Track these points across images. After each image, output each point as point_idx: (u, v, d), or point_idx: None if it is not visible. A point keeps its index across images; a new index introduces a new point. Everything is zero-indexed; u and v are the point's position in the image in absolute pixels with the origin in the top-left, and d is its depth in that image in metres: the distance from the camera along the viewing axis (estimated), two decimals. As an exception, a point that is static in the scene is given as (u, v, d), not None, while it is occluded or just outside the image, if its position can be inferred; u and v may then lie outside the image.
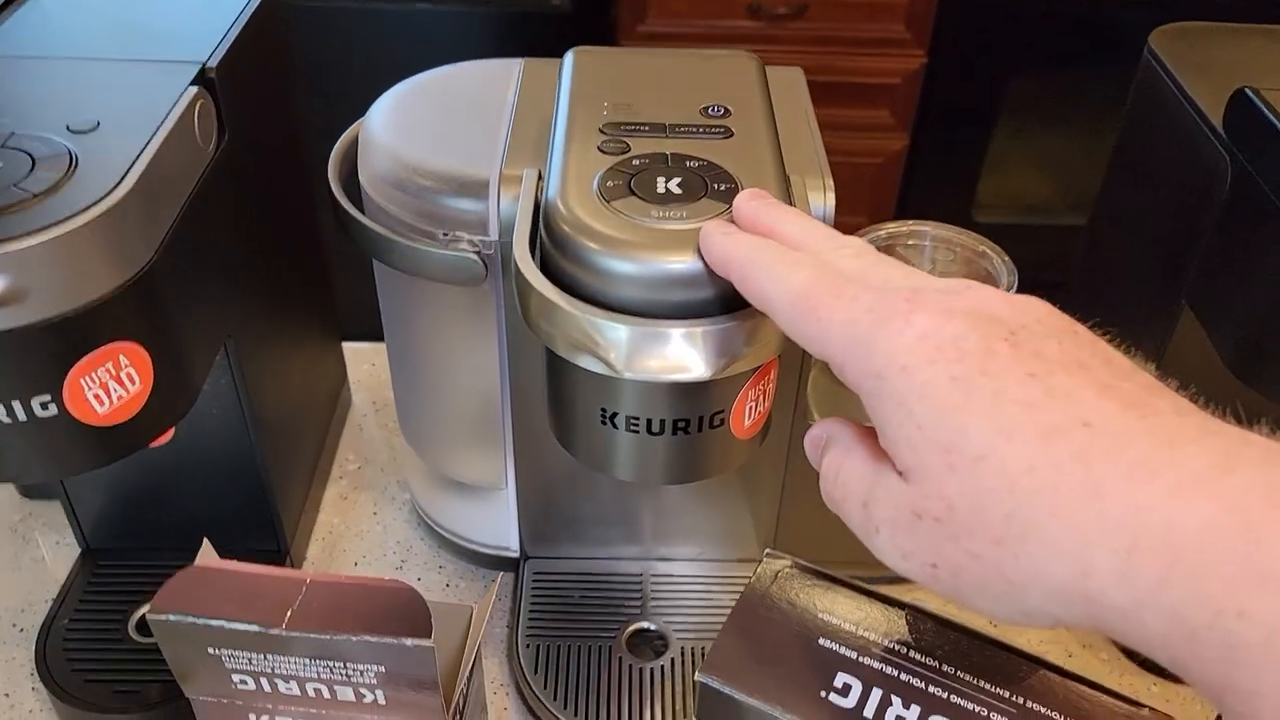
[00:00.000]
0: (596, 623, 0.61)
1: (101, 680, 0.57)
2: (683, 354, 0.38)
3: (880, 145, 1.87)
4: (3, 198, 0.41)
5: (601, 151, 0.44)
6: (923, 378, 0.28)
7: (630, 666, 0.59)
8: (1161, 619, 0.25)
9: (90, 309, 0.42)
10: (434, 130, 0.54)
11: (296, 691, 0.42)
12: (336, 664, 0.40)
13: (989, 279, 0.60)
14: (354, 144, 0.57)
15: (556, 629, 0.61)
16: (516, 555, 0.65)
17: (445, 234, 0.51)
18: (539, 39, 1.77)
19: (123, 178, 0.42)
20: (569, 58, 0.52)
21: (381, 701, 0.41)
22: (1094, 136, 1.75)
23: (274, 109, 0.62)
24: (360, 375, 0.82)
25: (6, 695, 0.59)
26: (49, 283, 0.40)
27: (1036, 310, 0.30)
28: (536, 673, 0.58)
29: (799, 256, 0.34)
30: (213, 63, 0.51)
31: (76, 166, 0.43)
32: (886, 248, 0.62)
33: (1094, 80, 1.64)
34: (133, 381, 0.45)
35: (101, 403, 0.44)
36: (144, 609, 0.60)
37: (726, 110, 0.47)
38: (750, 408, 0.44)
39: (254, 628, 0.39)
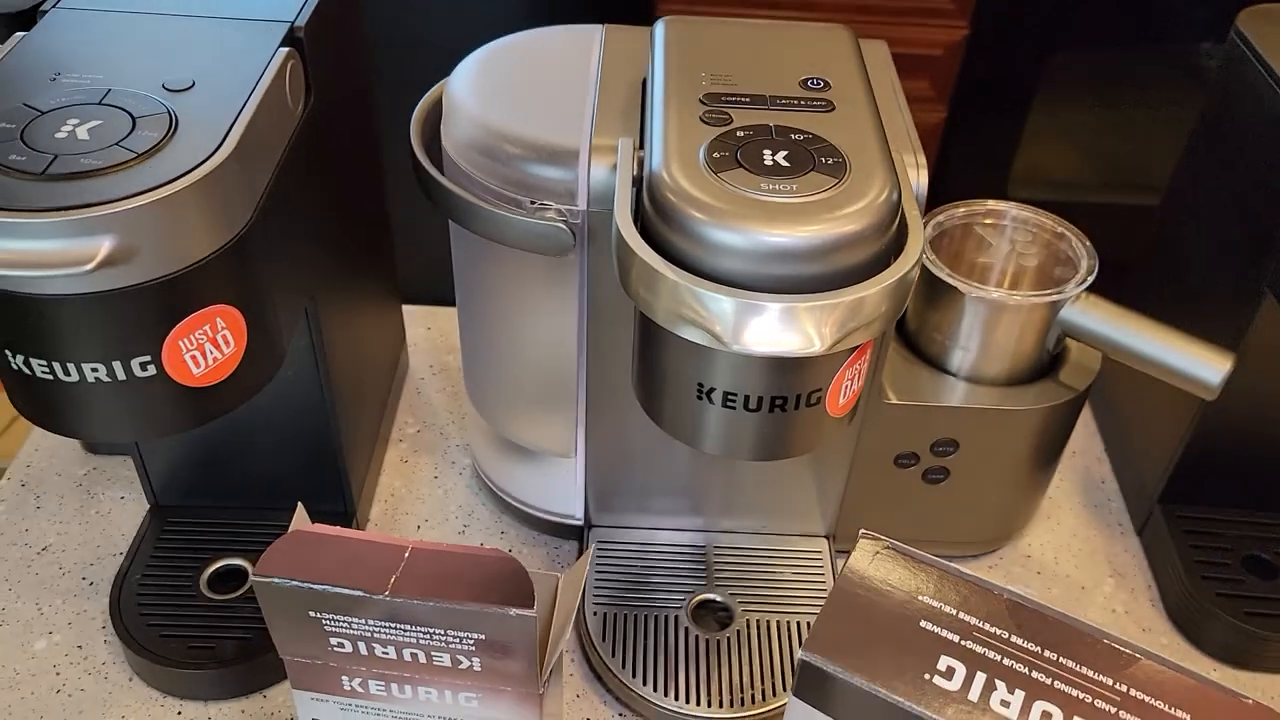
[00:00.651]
0: (662, 593, 0.61)
1: (176, 635, 0.57)
2: (796, 329, 0.38)
3: (919, 118, 1.84)
4: (107, 156, 0.40)
5: (704, 123, 0.44)
6: None
7: (696, 637, 0.59)
8: None
9: (192, 271, 0.42)
10: (520, 96, 0.54)
11: (393, 656, 0.42)
12: (437, 631, 0.40)
13: (1068, 263, 0.59)
14: (433, 107, 0.57)
15: (622, 598, 0.61)
16: (580, 523, 0.65)
17: (533, 202, 0.51)
18: (573, 8, 1.75)
19: (224, 139, 0.42)
20: (661, 27, 0.51)
21: (477, 668, 0.42)
22: (1132, 114, 1.73)
23: (352, 70, 0.61)
24: (416, 338, 0.82)
25: (79, 648, 0.59)
26: (155, 244, 0.40)
27: None
28: (604, 640, 0.59)
29: None
30: (300, 22, 0.50)
31: (177, 127, 0.42)
32: (964, 225, 0.62)
33: (1135, 58, 1.62)
34: (227, 344, 0.45)
35: (198, 364, 0.44)
36: (215, 565, 0.61)
37: (826, 83, 0.47)
38: (846, 386, 0.44)
39: (358, 593, 0.39)
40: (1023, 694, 0.36)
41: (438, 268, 0.66)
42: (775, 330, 0.38)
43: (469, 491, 0.70)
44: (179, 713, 0.57)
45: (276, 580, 0.40)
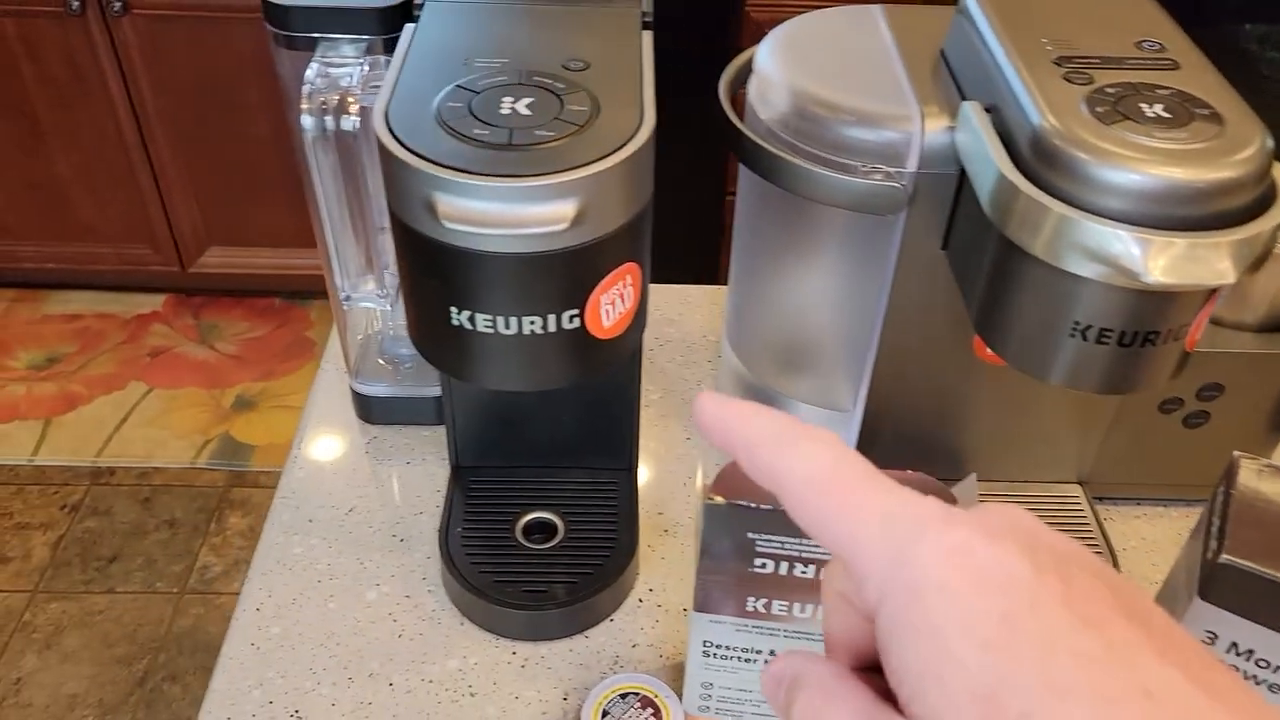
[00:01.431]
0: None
1: (509, 581, 0.62)
2: (1213, 262, 0.42)
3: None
4: (556, 129, 0.45)
5: (1069, 81, 0.48)
6: (966, 605, 0.23)
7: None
8: None
9: (621, 230, 0.46)
10: (834, 69, 0.58)
11: (811, 575, 0.46)
12: (865, 546, 0.45)
13: None
14: (733, 80, 0.62)
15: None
16: (850, 474, 0.69)
17: (864, 166, 0.55)
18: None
19: (642, 112, 0.47)
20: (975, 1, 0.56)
21: (888, 582, 0.46)
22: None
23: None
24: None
25: (407, 596, 0.64)
26: (603, 206, 0.45)
27: (1071, 544, 0.25)
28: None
29: (818, 432, 0.27)
30: (648, 9, 0.55)
31: (599, 103, 0.47)
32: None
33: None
34: (625, 300, 0.50)
35: (608, 317, 0.49)
36: (527, 518, 0.66)
37: (1160, 45, 0.51)
38: (1203, 323, 0.48)
39: (803, 512, 0.44)
40: None
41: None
42: (1192, 264, 0.42)
43: (721, 452, 0.75)
44: (514, 652, 0.61)
45: (731, 501, 0.44)
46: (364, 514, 0.69)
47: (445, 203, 0.43)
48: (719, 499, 0.44)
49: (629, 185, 0.46)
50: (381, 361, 0.75)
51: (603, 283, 0.47)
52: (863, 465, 0.26)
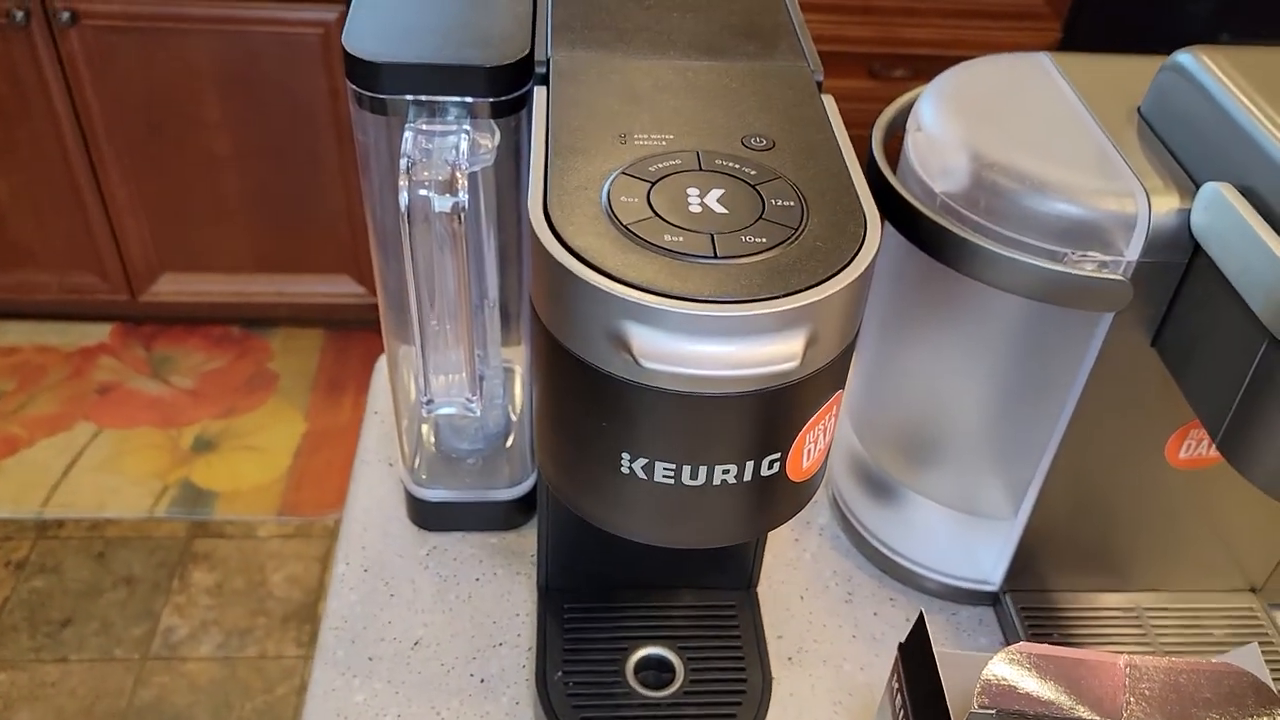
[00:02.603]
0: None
1: (629, 741, 0.52)
2: None
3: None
4: (765, 233, 0.35)
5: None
6: None
7: (1164, 707, 0.55)
8: None
9: (839, 358, 0.37)
10: (1021, 133, 0.49)
11: (1078, 781, 0.37)
12: (1160, 755, 0.36)
13: None
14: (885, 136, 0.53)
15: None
16: (994, 589, 0.61)
17: (1074, 253, 0.46)
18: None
19: (863, 213, 0.37)
20: (1197, 60, 0.47)
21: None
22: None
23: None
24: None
25: (498, 757, 0.54)
26: (829, 333, 0.35)
27: None
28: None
29: None
30: (816, 66, 0.45)
31: (805, 197, 0.37)
32: None
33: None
34: (826, 434, 0.40)
35: (808, 457, 0.39)
36: (638, 655, 0.55)
37: None
38: None
39: (1095, 718, 0.35)
40: None
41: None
42: None
43: (838, 554, 0.66)
44: (635, 825, 0.51)
45: (1003, 711, 0.35)
46: (433, 648, 0.58)
47: (641, 337, 0.33)
48: (995, 710, 0.35)
49: (858, 305, 0.36)
50: (436, 453, 0.65)
51: (812, 420, 0.38)
52: None
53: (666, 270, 0.33)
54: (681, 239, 0.34)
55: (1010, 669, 0.36)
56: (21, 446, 1.83)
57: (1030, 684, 0.35)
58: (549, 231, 0.35)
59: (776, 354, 0.33)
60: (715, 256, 0.34)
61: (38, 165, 1.78)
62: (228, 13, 1.65)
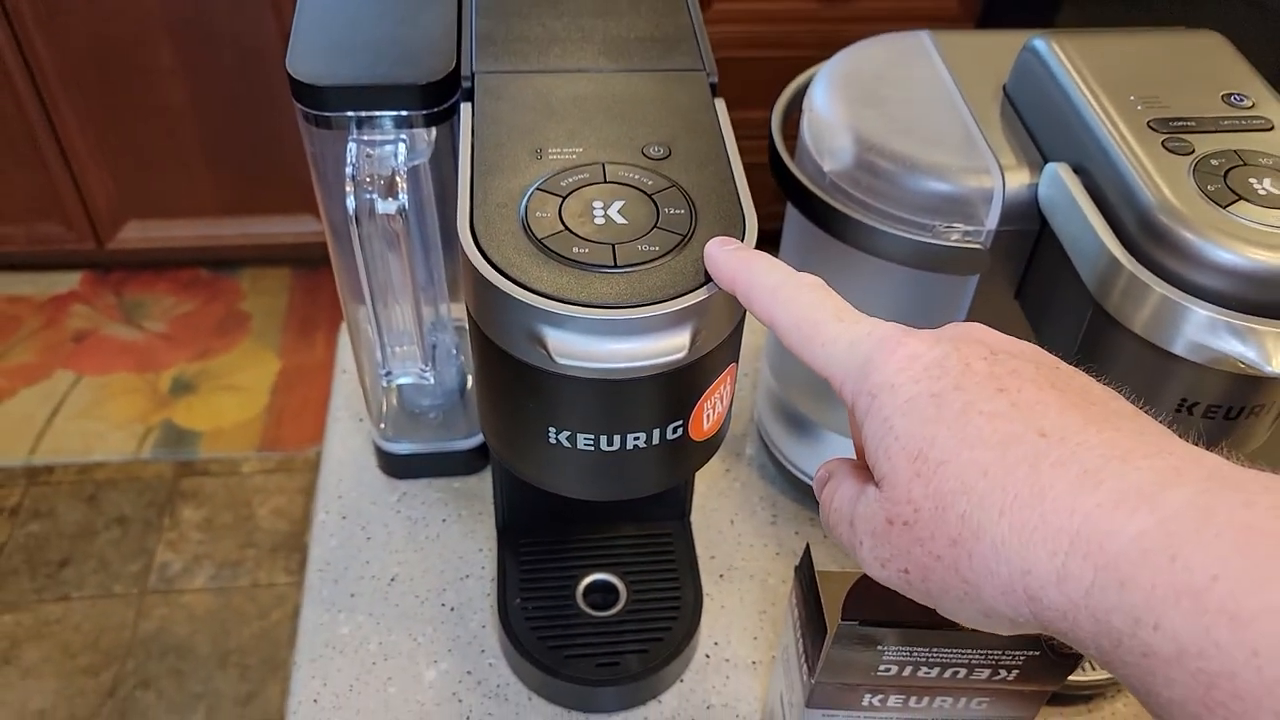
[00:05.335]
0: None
1: (580, 655, 0.60)
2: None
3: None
4: (659, 241, 0.42)
5: (1168, 150, 0.47)
6: (907, 394, 0.30)
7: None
8: (1092, 623, 0.26)
9: (727, 339, 0.44)
10: (897, 116, 0.55)
11: (934, 675, 0.46)
12: (995, 650, 0.44)
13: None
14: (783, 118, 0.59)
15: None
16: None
17: (941, 224, 0.53)
18: None
19: (743, 216, 0.43)
20: (1052, 44, 0.53)
21: (1011, 677, 0.46)
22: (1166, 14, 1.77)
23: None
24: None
25: (469, 673, 0.62)
26: (714, 322, 0.42)
27: (1025, 345, 0.32)
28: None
29: (803, 279, 0.36)
30: (711, 68, 0.51)
31: (695, 205, 0.43)
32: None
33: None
34: (724, 400, 0.47)
35: (707, 421, 0.46)
36: (586, 581, 0.64)
37: (1247, 98, 0.50)
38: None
39: (949, 631, 0.43)
40: None
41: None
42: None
43: (764, 482, 0.74)
44: (588, 725, 0.60)
45: (864, 627, 0.43)
46: (407, 583, 0.66)
47: (555, 338, 0.40)
48: (853, 622, 0.43)
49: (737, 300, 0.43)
50: (400, 410, 0.72)
51: (706, 392, 0.45)
52: (833, 305, 0.35)
53: (575, 280, 0.40)
54: (587, 250, 0.41)
55: (872, 585, 0.44)
56: (3, 397, 1.88)
57: (880, 599, 0.43)
58: (475, 248, 0.41)
59: (668, 347, 0.40)
60: (615, 266, 0.40)
61: (-7, 119, 1.79)
62: (172, -40, 1.66)
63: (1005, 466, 0.28)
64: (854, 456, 0.37)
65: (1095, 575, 0.26)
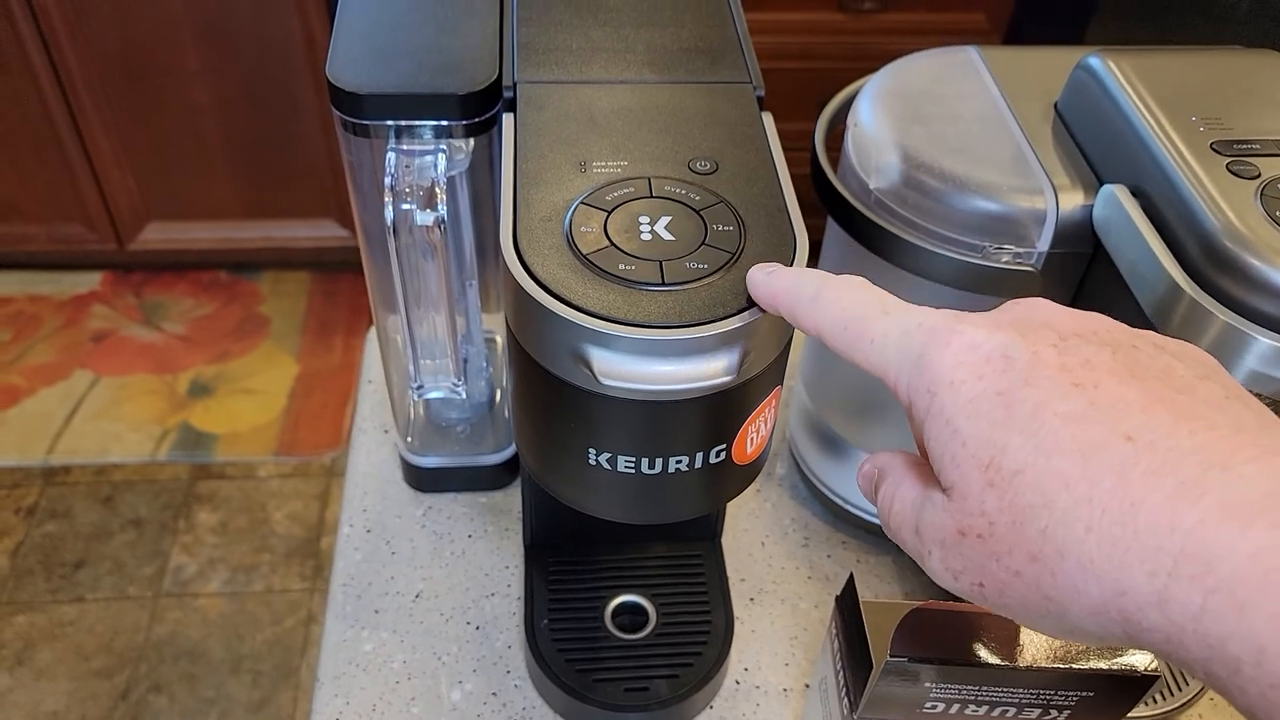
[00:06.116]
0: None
1: (607, 680, 0.59)
2: None
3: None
4: (708, 259, 0.40)
5: (1234, 175, 0.45)
6: (970, 393, 0.28)
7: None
8: (1204, 649, 0.23)
9: (774, 362, 0.42)
10: (945, 133, 0.54)
11: (982, 714, 0.44)
12: (1047, 691, 0.43)
13: None
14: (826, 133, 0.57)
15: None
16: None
17: (992, 245, 0.52)
18: None
19: (793, 233, 0.42)
20: (1104, 64, 0.52)
21: (1062, 717, 0.44)
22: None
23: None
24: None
25: (494, 694, 0.61)
26: (762, 346, 0.41)
27: (1093, 322, 0.30)
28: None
29: (843, 280, 0.34)
30: (759, 82, 0.50)
31: (743, 221, 0.42)
32: None
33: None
34: (768, 423, 0.46)
35: (751, 444, 0.45)
36: (615, 602, 0.62)
37: (1314, 124, 0.48)
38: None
39: (996, 660, 0.41)
40: None
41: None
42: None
43: (796, 503, 0.72)
44: (615, 751, 0.59)
45: (913, 664, 0.41)
46: (432, 599, 0.65)
47: (600, 358, 0.38)
48: (903, 658, 0.41)
49: (786, 322, 0.41)
50: (427, 422, 0.70)
51: (751, 415, 0.43)
52: (878, 299, 0.32)
53: (621, 298, 0.39)
54: (634, 267, 0.40)
55: (921, 620, 0.42)
56: (23, 396, 1.89)
57: (932, 635, 0.42)
58: (518, 263, 0.40)
59: (715, 369, 0.39)
60: (663, 284, 0.39)
61: (17, 119, 1.80)
62: (199, -37, 1.66)
63: (1089, 477, 0.25)
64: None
65: (1205, 599, 0.23)
